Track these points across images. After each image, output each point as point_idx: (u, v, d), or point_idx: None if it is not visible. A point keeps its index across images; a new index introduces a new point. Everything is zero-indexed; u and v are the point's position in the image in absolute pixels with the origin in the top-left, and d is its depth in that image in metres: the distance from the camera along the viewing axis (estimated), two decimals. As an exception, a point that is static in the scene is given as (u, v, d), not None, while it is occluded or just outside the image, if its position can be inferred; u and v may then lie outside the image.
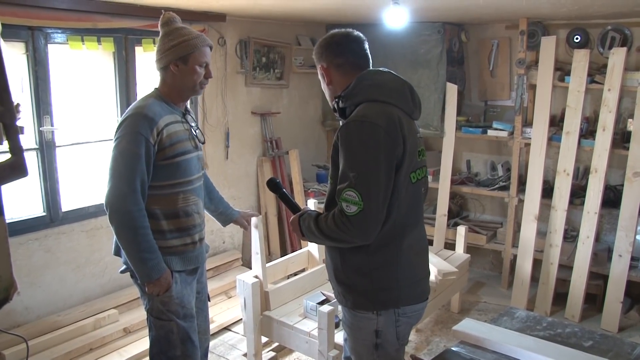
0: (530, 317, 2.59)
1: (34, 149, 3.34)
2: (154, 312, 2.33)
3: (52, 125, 3.38)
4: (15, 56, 3.22)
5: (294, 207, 2.16)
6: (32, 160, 3.36)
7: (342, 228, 1.82)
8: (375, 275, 1.94)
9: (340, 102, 1.99)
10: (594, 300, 4.23)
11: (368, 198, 1.77)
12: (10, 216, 3.29)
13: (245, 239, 4.80)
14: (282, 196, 2.22)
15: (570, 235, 4.37)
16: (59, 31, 3.35)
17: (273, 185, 2.24)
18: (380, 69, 2.04)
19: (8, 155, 0.98)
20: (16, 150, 0.89)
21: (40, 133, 3.33)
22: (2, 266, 0.99)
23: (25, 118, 3.27)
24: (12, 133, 0.89)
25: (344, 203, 1.80)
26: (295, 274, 3.86)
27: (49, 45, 3.32)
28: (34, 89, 3.28)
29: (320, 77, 2.10)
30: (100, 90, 3.73)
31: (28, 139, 3.31)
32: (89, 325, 3.47)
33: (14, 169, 0.90)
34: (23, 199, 3.37)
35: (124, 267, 2.34)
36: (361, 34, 2.05)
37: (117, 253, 2.31)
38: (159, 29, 2.31)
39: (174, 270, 2.31)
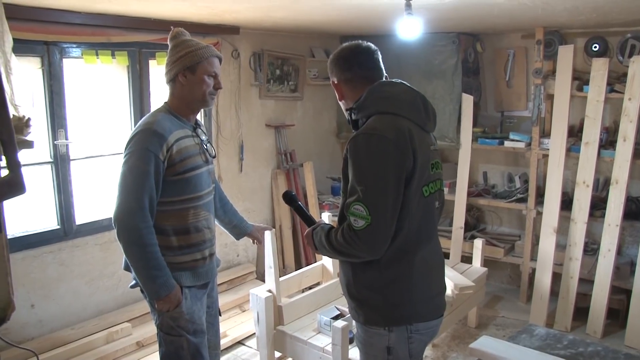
0: (550, 335, 2.51)
1: (49, 162, 3.37)
2: (164, 328, 2.30)
3: (66, 138, 3.40)
4: (31, 71, 3.25)
5: (309, 220, 2.14)
6: (46, 174, 3.39)
7: (350, 243, 1.80)
8: (387, 290, 1.90)
9: (353, 114, 1.97)
10: (617, 315, 4.11)
11: (375, 212, 1.74)
12: (25, 229, 3.30)
13: (260, 252, 4.77)
14: (298, 209, 2.20)
15: (591, 249, 4.27)
16: (74, 45, 3.37)
17: (288, 198, 2.23)
18: (393, 80, 2.01)
19: (6, 172, 0.97)
20: (14, 166, 0.87)
21: (55, 147, 3.35)
22: (0, 285, 0.96)
23: (40, 132, 3.29)
24: (10, 149, 0.87)
25: (352, 217, 1.78)
26: (310, 288, 3.81)
27: (64, 60, 3.35)
28: (48, 103, 3.31)
29: (335, 92, 2.08)
30: (114, 103, 3.75)
31: (42, 153, 3.33)
32: (101, 339, 3.46)
33: (11, 186, 0.88)
34: (37, 212, 3.38)
35: (133, 282, 2.32)
36: (372, 45, 2.02)
37: (127, 268, 2.29)
38: (168, 43, 2.31)
39: (183, 286, 2.28)
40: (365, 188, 1.76)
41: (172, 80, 2.28)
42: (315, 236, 1.99)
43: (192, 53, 2.23)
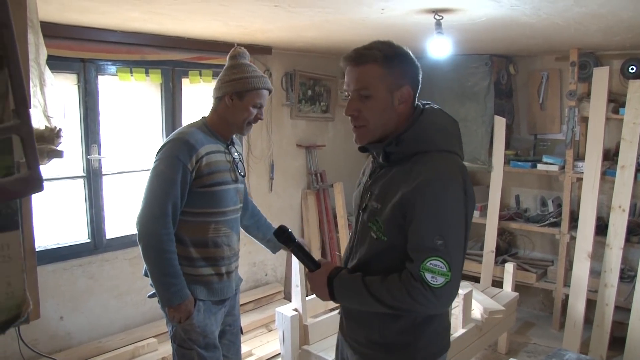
0: (581, 360, 2.42)
1: (81, 176, 3.44)
2: (177, 340, 2.31)
3: (99, 154, 3.47)
4: (67, 87, 3.34)
5: (310, 262, 1.75)
6: (79, 188, 3.45)
7: (420, 300, 1.56)
8: (424, 328, 1.72)
9: (394, 143, 1.66)
10: (655, 345, 3.95)
11: (456, 267, 1.56)
12: (56, 242, 3.37)
13: (287, 272, 4.75)
14: (295, 250, 1.76)
15: (628, 275, 4.13)
16: (109, 63, 3.46)
17: (286, 236, 1.79)
18: (432, 105, 1.75)
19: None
20: (32, 164, 0.89)
21: (88, 161, 3.42)
22: (15, 282, 0.98)
23: (74, 146, 3.37)
24: (29, 147, 0.89)
25: (429, 274, 1.54)
26: (337, 308, 3.76)
27: (99, 77, 3.44)
28: (83, 118, 3.39)
29: (384, 96, 1.64)
30: (147, 120, 3.82)
31: (76, 167, 3.41)
32: (127, 353, 3.47)
33: (29, 183, 0.90)
34: (69, 225, 3.45)
35: (152, 291, 2.33)
36: None
37: (147, 274, 2.31)
38: (227, 60, 2.36)
39: (197, 299, 2.29)
40: (445, 242, 1.55)
41: (219, 97, 2.32)
42: (340, 283, 1.69)
43: (245, 80, 2.26)
